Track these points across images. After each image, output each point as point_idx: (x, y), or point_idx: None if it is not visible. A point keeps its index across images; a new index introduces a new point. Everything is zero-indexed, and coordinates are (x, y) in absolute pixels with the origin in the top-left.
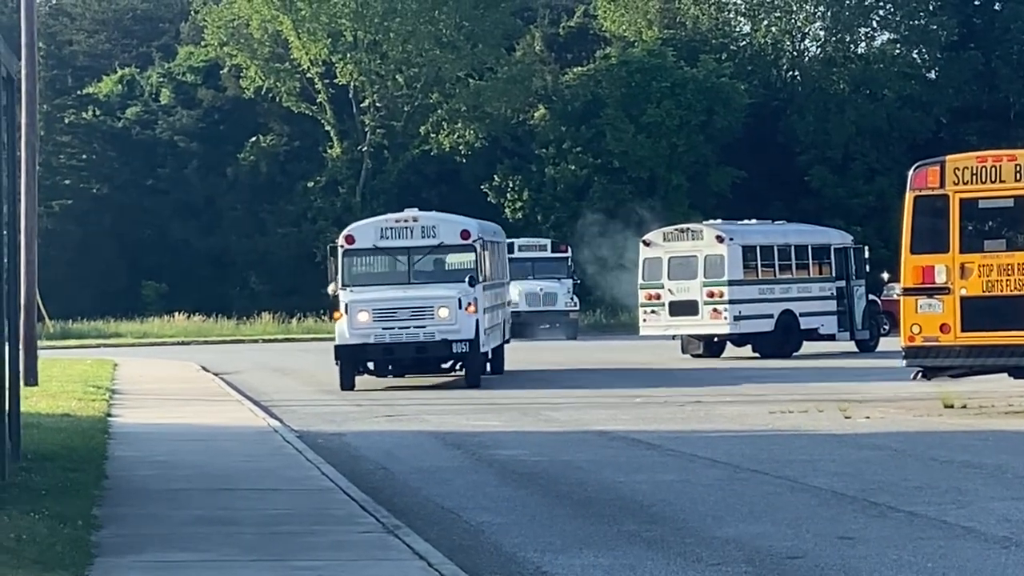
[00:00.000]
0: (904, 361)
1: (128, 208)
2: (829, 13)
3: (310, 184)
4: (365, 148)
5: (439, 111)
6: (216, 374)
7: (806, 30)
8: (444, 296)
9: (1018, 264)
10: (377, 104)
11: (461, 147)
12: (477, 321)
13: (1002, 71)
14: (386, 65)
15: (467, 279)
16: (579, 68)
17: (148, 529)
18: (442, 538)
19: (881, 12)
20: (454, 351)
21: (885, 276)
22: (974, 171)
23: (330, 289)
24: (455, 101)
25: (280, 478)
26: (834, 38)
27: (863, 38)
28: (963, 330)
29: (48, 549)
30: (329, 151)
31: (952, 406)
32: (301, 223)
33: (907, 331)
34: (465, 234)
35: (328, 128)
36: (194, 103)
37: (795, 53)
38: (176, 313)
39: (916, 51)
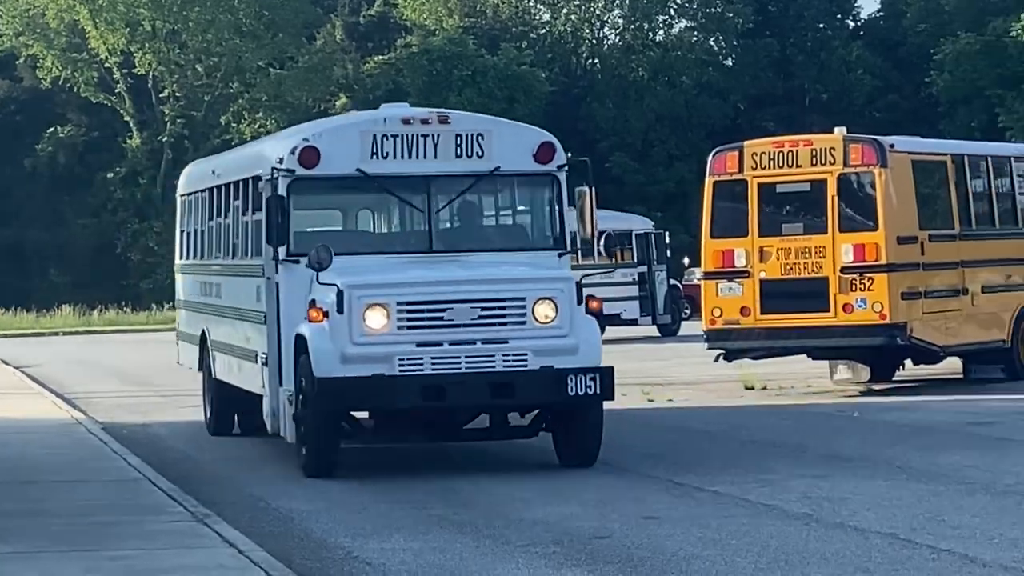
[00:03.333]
0: (706, 344)
1: None
2: (627, 1)
3: (110, 175)
4: (165, 138)
5: (240, 101)
6: (17, 367)
7: (605, 18)
8: (542, 278)
9: (815, 247)
10: (177, 94)
11: (263, 136)
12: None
13: (797, 58)
14: (185, 55)
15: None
16: (380, 57)
17: None
18: (252, 525)
19: (679, 0)
20: (569, 392)
21: (686, 261)
22: (771, 156)
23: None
24: (256, 91)
25: (87, 469)
26: (632, 26)
27: (661, 26)
28: (763, 312)
29: None
30: (129, 141)
31: (753, 388)
32: (101, 214)
33: (708, 314)
34: (545, 152)
35: (127, 118)
36: None
37: (594, 41)
38: None
39: (713, 39)
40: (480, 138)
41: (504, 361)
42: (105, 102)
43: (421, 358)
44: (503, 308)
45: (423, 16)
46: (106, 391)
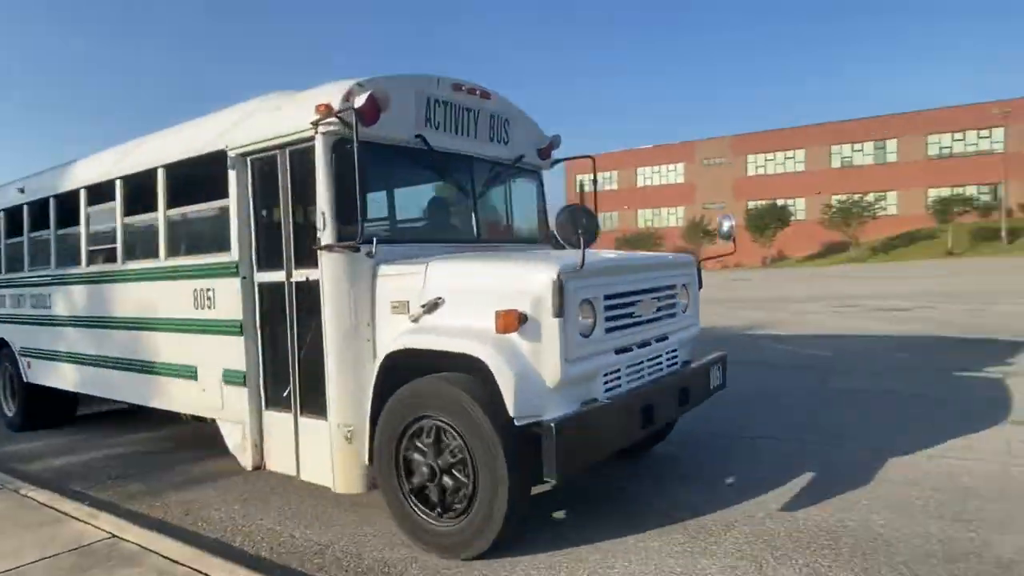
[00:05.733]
0: None
1: None
2: None
3: None
4: None
5: None
6: None
7: None
8: (682, 263)
9: None
10: None
11: None
12: None
13: None
14: None
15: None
16: None
17: None
18: None
19: None
20: (711, 386)
21: None
22: None
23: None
24: None
25: None
26: None
27: None
28: None
29: None
30: None
31: None
32: None
33: None
34: (548, 149)
35: None
36: None
37: None
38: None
39: None
40: (507, 124)
41: (668, 361)
42: None
43: (640, 363)
44: (671, 297)
45: None
46: None
